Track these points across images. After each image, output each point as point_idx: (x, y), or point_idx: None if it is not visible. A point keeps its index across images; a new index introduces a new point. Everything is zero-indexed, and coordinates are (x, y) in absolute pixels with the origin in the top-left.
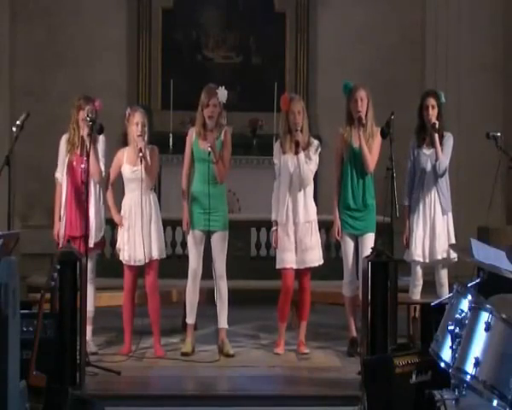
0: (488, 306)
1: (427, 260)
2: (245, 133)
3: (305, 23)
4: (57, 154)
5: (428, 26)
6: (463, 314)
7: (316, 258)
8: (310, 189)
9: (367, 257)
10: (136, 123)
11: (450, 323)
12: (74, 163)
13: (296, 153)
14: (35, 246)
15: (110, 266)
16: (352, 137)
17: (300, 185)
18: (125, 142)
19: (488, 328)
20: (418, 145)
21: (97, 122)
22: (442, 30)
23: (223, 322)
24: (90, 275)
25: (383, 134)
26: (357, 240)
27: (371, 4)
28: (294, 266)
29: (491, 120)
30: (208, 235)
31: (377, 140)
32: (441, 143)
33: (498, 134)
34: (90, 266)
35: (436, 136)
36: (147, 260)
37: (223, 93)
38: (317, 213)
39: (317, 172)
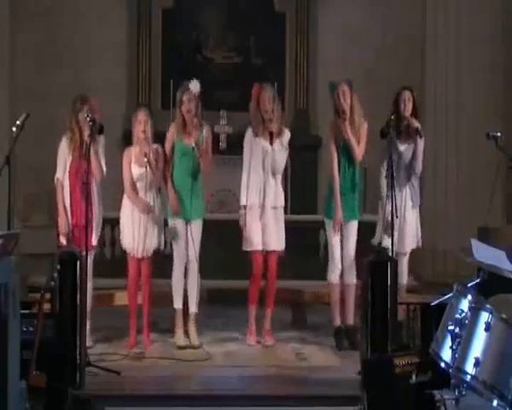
0: (488, 306)
1: (398, 251)
2: (245, 133)
3: (305, 23)
4: (57, 155)
5: (428, 26)
6: (463, 314)
7: (281, 243)
8: (279, 176)
9: (367, 257)
10: (139, 121)
11: (450, 323)
12: (77, 164)
13: (271, 143)
14: (35, 246)
15: (110, 265)
16: (341, 131)
17: (273, 172)
18: (125, 143)
19: (488, 328)
20: (393, 140)
21: (97, 122)
22: (442, 30)
23: (192, 306)
24: (88, 269)
25: (383, 134)
26: (341, 227)
27: (371, 4)
28: (261, 248)
29: (491, 120)
30: (187, 223)
31: (363, 130)
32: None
33: (498, 134)
34: (88, 261)
35: (418, 139)
36: (145, 255)
37: (195, 84)
38: (317, 214)
39: (316, 173)
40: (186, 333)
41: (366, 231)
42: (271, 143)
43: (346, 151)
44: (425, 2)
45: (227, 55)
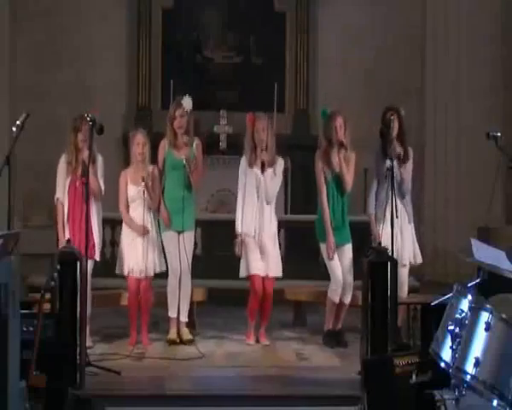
0: (488, 306)
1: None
2: (245, 133)
3: (305, 23)
4: (57, 162)
5: (428, 26)
6: (463, 314)
7: (278, 269)
8: (273, 203)
9: (367, 257)
10: (137, 143)
11: (450, 323)
12: (76, 184)
13: (262, 171)
14: (35, 246)
15: (110, 266)
16: (331, 161)
17: (266, 200)
18: (124, 143)
19: (488, 328)
20: (383, 157)
21: (97, 122)
22: (442, 30)
23: (183, 316)
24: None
25: (382, 134)
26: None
27: (371, 4)
28: (261, 274)
29: (491, 120)
30: (179, 234)
31: (352, 163)
32: (407, 158)
33: (498, 134)
34: (88, 269)
35: (402, 168)
36: (145, 275)
37: (187, 101)
38: (316, 214)
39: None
40: (179, 332)
41: (365, 231)
42: (263, 172)
43: (335, 182)
44: (425, 2)
45: (227, 55)
